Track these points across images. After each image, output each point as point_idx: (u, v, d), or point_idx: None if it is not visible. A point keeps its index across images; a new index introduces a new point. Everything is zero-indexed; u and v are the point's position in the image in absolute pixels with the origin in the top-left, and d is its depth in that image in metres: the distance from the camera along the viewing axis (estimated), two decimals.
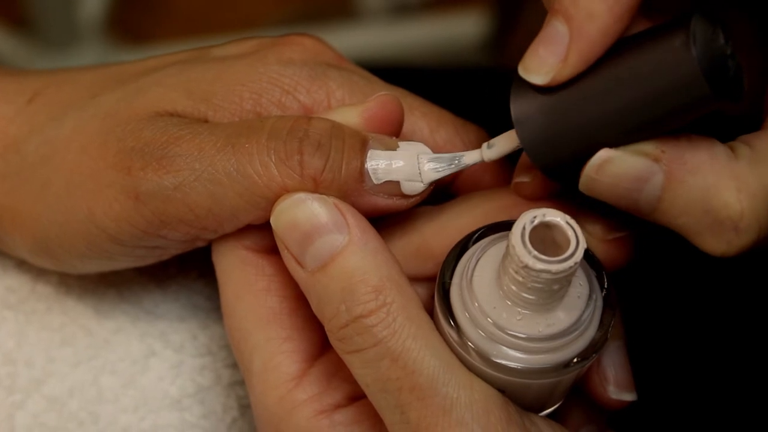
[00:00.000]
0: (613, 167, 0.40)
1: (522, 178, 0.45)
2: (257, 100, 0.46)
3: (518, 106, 0.42)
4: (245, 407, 0.51)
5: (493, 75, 0.85)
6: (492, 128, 0.49)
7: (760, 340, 0.58)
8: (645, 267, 0.53)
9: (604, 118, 0.41)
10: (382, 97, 0.45)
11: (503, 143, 0.44)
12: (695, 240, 0.41)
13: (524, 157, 0.45)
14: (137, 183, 0.44)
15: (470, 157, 0.44)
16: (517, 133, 0.42)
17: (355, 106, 0.46)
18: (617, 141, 0.41)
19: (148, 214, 0.44)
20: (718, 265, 0.59)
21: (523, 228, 0.39)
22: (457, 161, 0.44)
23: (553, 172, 0.43)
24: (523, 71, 0.41)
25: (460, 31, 1.44)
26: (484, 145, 0.44)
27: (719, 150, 0.40)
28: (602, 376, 0.46)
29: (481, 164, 0.48)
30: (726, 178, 0.39)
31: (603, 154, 0.40)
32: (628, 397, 0.46)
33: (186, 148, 0.44)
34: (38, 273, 0.51)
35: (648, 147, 0.40)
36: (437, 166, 0.44)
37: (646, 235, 0.47)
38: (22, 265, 0.51)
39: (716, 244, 0.40)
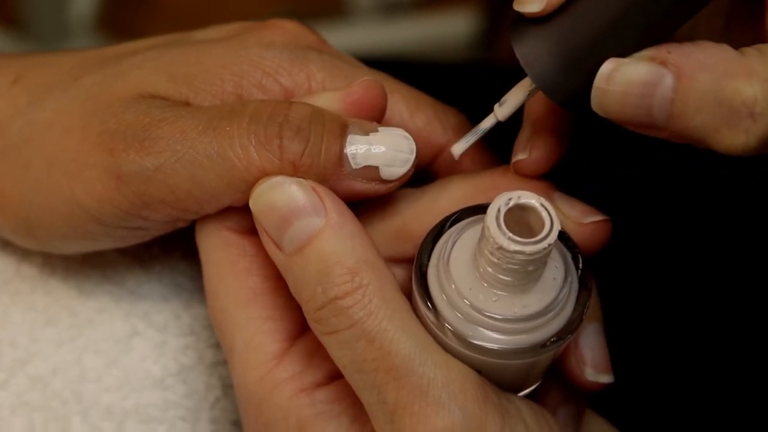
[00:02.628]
0: (621, 75, 0.40)
1: (520, 156, 0.46)
2: (238, 82, 0.47)
3: (522, 47, 0.42)
4: (228, 387, 0.51)
5: (483, 70, 0.85)
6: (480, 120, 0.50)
7: (737, 322, 0.59)
8: (623, 252, 0.53)
9: (608, 30, 0.40)
10: (365, 82, 0.46)
11: (513, 96, 0.44)
12: (714, 140, 0.40)
13: (520, 136, 0.46)
14: (119, 164, 0.44)
15: (486, 122, 0.45)
16: (528, 73, 0.42)
17: (339, 90, 0.46)
18: (625, 51, 0.40)
19: (129, 195, 0.44)
20: (696, 249, 0.60)
21: (498, 210, 0.40)
22: (476, 131, 0.45)
23: (572, 103, 0.42)
24: (518, 5, 0.41)
25: (450, 29, 1.44)
26: (496, 106, 0.45)
27: (726, 47, 0.40)
28: (579, 358, 0.46)
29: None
30: (736, 67, 0.39)
31: (608, 64, 0.40)
32: (605, 379, 0.46)
33: (168, 131, 0.44)
34: (22, 255, 0.52)
35: (652, 51, 0.40)
36: (463, 139, 0.45)
37: (624, 221, 0.47)
38: (6, 247, 0.52)
39: (735, 136, 0.39)
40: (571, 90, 0.42)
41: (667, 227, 0.61)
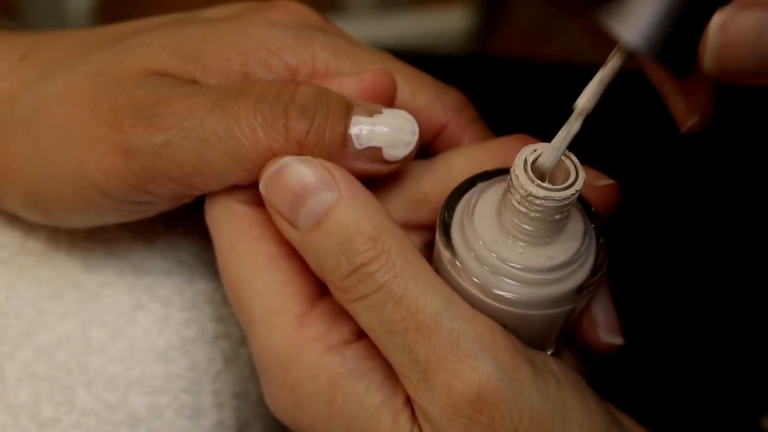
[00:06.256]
0: (734, 25, 0.38)
1: (692, 121, 0.44)
2: (244, 60, 0.47)
3: (615, 19, 0.39)
4: (229, 360, 0.52)
5: (479, 63, 0.86)
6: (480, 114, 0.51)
7: (739, 294, 0.60)
8: (627, 221, 0.54)
9: None
10: (376, 71, 0.47)
11: (590, 89, 0.42)
12: None
13: (675, 106, 0.44)
14: (128, 139, 0.45)
15: (575, 126, 0.42)
16: (629, 39, 0.39)
17: (350, 75, 0.47)
18: (721, 3, 0.39)
19: (137, 169, 0.45)
20: (701, 218, 0.61)
21: (525, 160, 0.41)
22: (565, 135, 0.42)
23: (676, 62, 0.40)
24: None
25: (445, 24, 1.45)
26: (575, 107, 0.42)
27: None
28: (593, 320, 0.48)
29: (459, 125, 0.50)
30: None
31: (718, 16, 0.38)
32: (618, 340, 0.48)
33: (176, 108, 0.45)
34: (28, 230, 0.52)
35: None
36: (553, 150, 0.42)
37: (630, 188, 0.48)
38: (12, 222, 0.52)
39: None
40: (675, 49, 0.40)
41: (669, 194, 0.62)
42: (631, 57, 0.41)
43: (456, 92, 0.50)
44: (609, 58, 0.41)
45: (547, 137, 0.48)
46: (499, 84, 0.74)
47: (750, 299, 0.60)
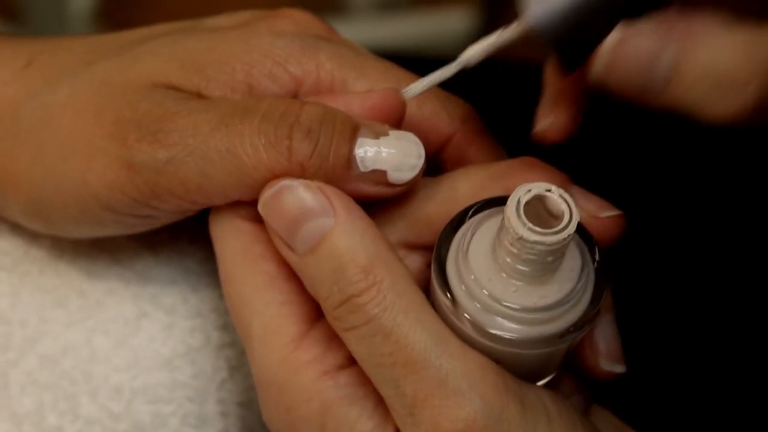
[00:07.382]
0: (629, 46, 0.39)
1: (543, 123, 0.46)
2: (249, 71, 0.47)
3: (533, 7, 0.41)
4: (234, 368, 0.52)
5: (480, 66, 0.85)
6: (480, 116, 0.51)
7: (744, 317, 0.60)
8: (632, 249, 0.54)
9: None
10: (386, 90, 0.47)
11: (480, 47, 0.45)
12: (705, 111, 0.40)
13: (541, 107, 0.46)
14: (132, 154, 0.45)
15: (449, 71, 0.46)
16: (531, 17, 0.41)
17: (359, 94, 0.47)
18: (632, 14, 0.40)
19: (140, 184, 0.45)
20: (702, 244, 0.61)
21: (518, 201, 0.40)
22: (437, 76, 0.46)
23: (568, 55, 0.42)
24: None
25: (446, 26, 1.45)
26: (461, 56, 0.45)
27: (723, 19, 0.39)
28: (594, 348, 0.47)
29: (465, 137, 0.49)
30: (730, 42, 0.38)
31: (616, 33, 0.40)
32: (619, 368, 0.47)
33: (181, 124, 0.45)
34: (32, 237, 0.52)
35: (658, 21, 0.39)
36: (418, 84, 0.47)
37: (635, 216, 0.48)
38: (15, 229, 0.52)
39: (726, 108, 0.39)
40: (571, 43, 0.41)
41: (674, 221, 0.62)
42: (526, 34, 0.42)
43: (462, 102, 0.50)
44: (508, 27, 0.43)
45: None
46: (501, 87, 0.74)
47: (754, 323, 0.60)
